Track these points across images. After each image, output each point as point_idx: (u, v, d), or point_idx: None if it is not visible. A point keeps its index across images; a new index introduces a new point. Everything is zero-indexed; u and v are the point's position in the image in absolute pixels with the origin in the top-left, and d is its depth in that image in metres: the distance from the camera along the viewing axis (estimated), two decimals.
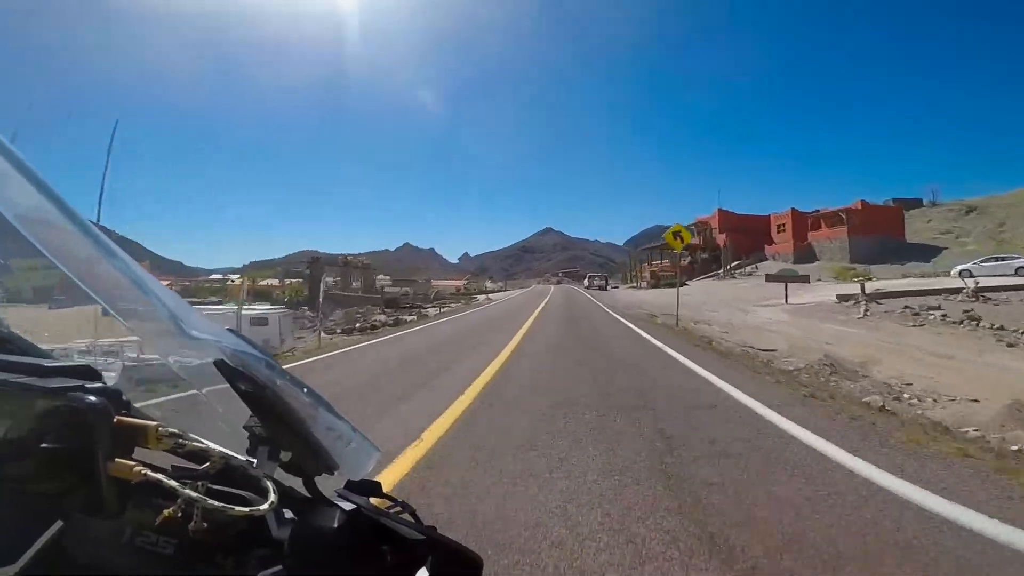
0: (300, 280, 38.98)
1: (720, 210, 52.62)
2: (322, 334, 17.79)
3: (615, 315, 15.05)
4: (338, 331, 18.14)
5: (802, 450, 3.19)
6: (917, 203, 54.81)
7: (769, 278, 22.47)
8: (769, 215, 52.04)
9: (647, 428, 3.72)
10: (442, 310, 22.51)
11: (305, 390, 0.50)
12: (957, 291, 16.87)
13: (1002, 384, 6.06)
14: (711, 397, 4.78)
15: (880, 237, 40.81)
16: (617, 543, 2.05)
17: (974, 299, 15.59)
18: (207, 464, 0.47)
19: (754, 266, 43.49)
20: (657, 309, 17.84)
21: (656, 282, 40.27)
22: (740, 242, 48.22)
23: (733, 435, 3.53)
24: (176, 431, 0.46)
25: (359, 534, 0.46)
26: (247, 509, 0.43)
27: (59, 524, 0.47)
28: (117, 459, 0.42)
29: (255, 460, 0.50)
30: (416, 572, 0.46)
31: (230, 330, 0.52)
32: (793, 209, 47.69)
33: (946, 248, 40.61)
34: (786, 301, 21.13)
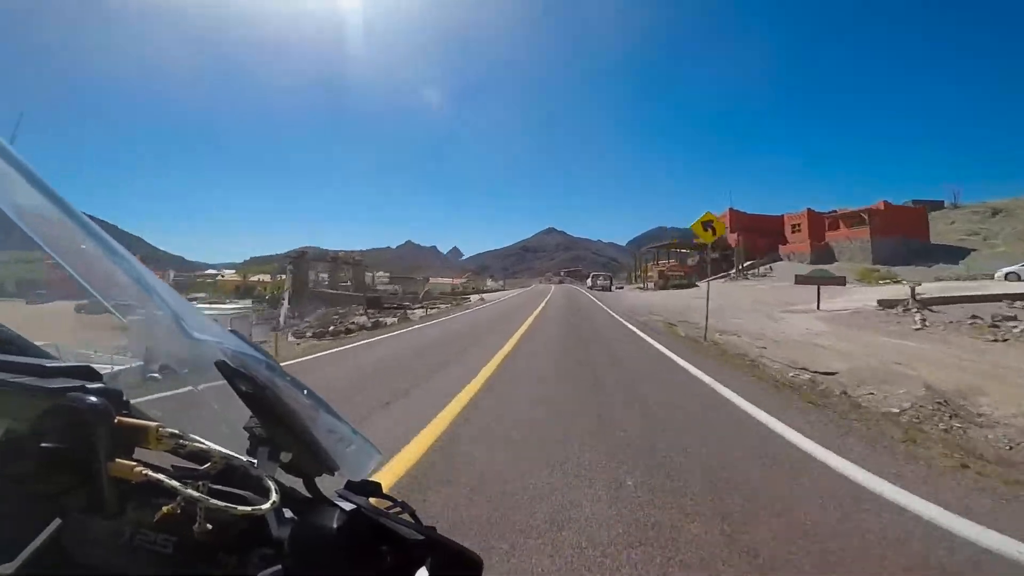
0: (282, 276, 36.98)
1: (732, 209, 50.12)
2: (290, 338, 15.51)
3: (627, 324, 12.70)
4: (308, 334, 15.87)
5: None
6: (938, 205, 52.34)
7: (799, 279, 20.04)
8: (782, 215, 49.58)
9: None
10: (428, 312, 20.21)
11: (305, 391, 0.50)
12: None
13: None
14: (830, 493, 2.52)
15: (903, 238, 38.34)
16: None
17: None
18: (208, 464, 0.47)
19: (768, 267, 41.05)
20: (673, 316, 15.49)
21: (665, 283, 37.85)
22: (752, 242, 45.82)
23: None
24: (176, 432, 0.46)
25: (359, 534, 0.46)
26: (248, 509, 0.43)
27: (57, 523, 0.47)
28: (118, 459, 0.43)
29: (256, 461, 0.50)
30: (415, 572, 0.46)
31: (232, 331, 0.51)
32: (809, 209, 45.26)
33: (974, 250, 38.22)
34: (818, 307, 18.77)
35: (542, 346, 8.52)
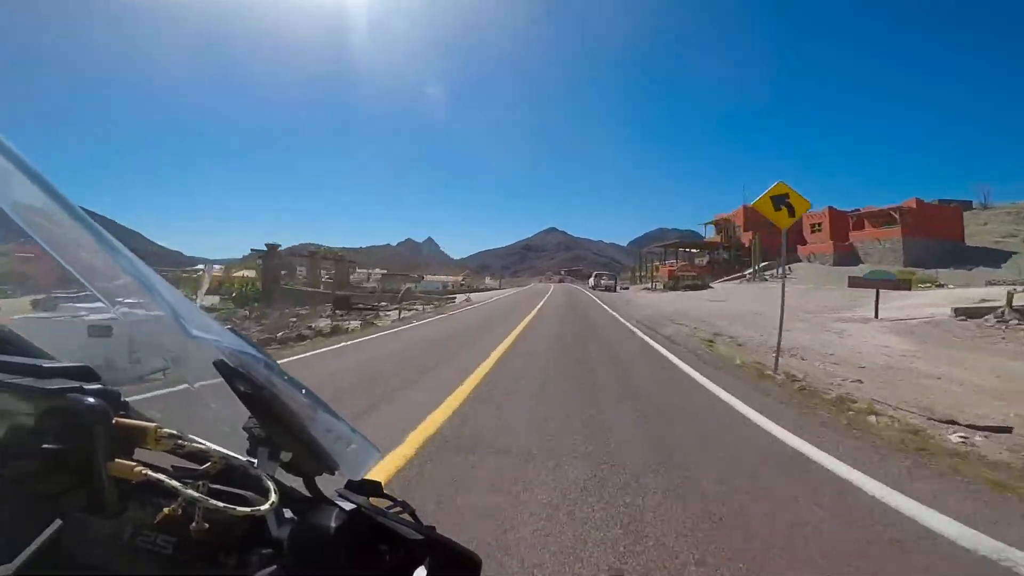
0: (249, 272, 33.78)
1: (746, 206, 46.55)
2: None
3: (651, 341, 9.23)
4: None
5: None
6: (966, 205, 48.95)
7: (853, 281, 16.61)
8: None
9: None
10: (403, 315, 16.84)
11: (304, 391, 0.50)
12: None
13: None
14: None
15: (937, 239, 34.95)
16: None
17: None
18: (207, 464, 0.47)
19: (787, 267, 37.61)
20: (702, 325, 12.13)
21: (675, 284, 34.41)
22: (766, 242, 42.40)
23: None
24: (175, 432, 0.46)
25: (359, 534, 0.46)
26: (248, 509, 0.43)
27: (58, 523, 0.48)
28: (117, 459, 0.43)
29: (255, 460, 0.50)
30: (415, 571, 0.46)
31: (231, 330, 0.51)
32: (831, 207, 41.86)
33: (1015, 252, 34.86)
34: (876, 315, 15.39)
35: (526, 380, 5.12)
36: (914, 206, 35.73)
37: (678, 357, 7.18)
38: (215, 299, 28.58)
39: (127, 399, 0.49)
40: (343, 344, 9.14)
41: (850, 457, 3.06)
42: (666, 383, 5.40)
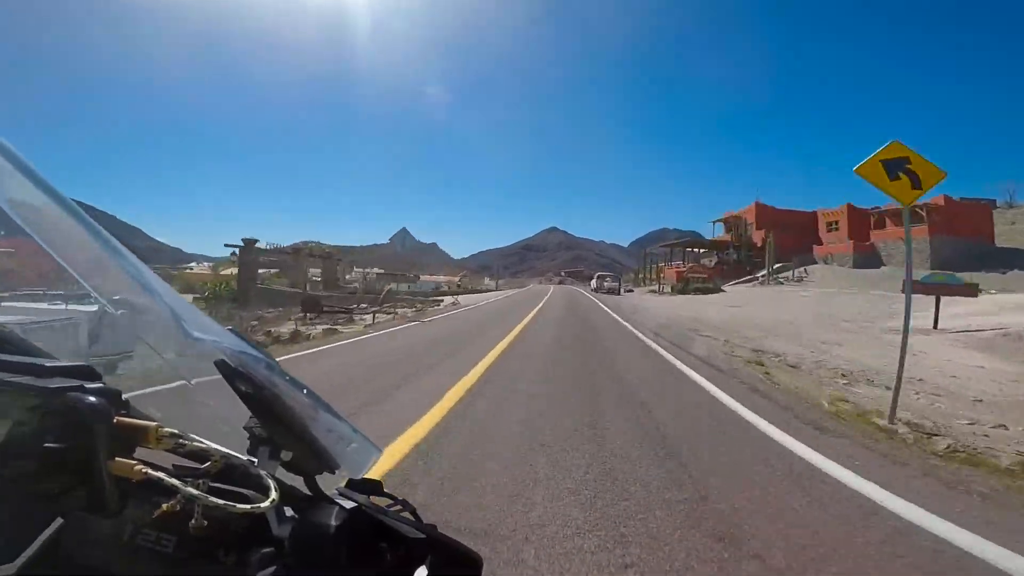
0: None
1: (758, 203, 44.19)
2: None
3: (683, 367, 6.63)
4: None
5: None
6: (990, 204, 46.43)
7: (915, 287, 13.76)
8: (815, 211, 43.72)
9: None
10: (377, 320, 14.53)
11: (305, 391, 0.50)
12: None
13: None
14: None
15: (966, 239, 32.47)
16: None
17: None
18: (208, 463, 0.47)
19: (803, 270, 35.19)
20: (737, 339, 9.66)
21: (684, 286, 31.93)
22: (779, 242, 40.03)
23: None
24: (176, 431, 0.46)
25: (359, 532, 0.46)
26: (248, 507, 0.43)
27: (59, 522, 0.48)
28: (118, 458, 0.43)
29: (256, 460, 0.50)
30: (416, 570, 0.46)
31: (231, 330, 0.51)
32: (850, 204, 39.39)
33: None
34: (935, 325, 12.97)
35: (495, 463, 2.54)
36: (942, 203, 33.22)
37: (737, 399, 4.70)
38: (188, 298, 26.48)
39: (127, 398, 0.49)
40: (291, 355, 6.90)
41: None
42: (750, 466, 2.87)
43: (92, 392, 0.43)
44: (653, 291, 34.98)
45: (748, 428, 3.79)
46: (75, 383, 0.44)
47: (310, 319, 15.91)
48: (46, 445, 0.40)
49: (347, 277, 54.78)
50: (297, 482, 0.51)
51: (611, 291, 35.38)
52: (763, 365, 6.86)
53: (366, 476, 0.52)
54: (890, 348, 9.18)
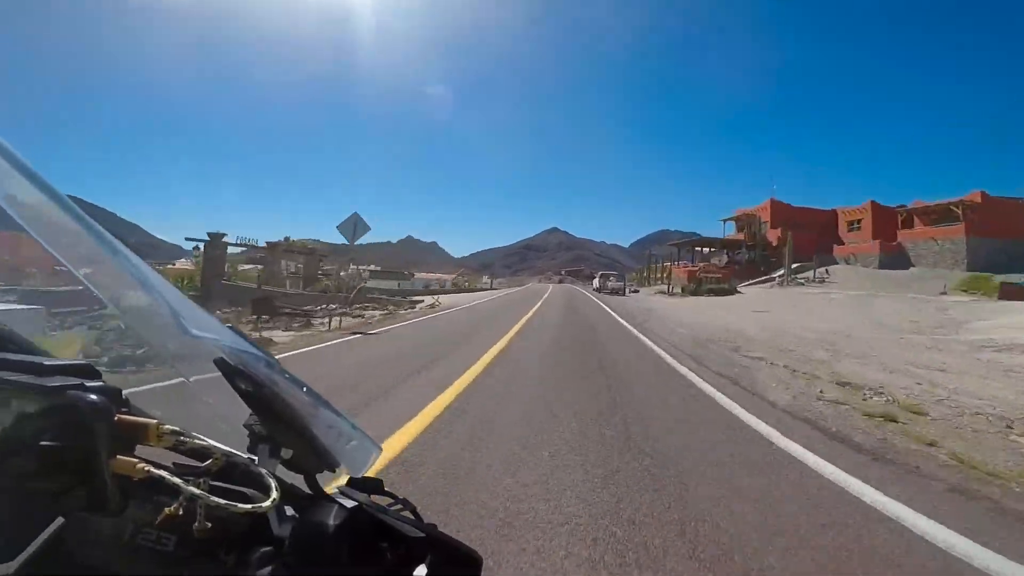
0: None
1: (774, 200, 41.35)
2: None
3: (759, 424, 3.90)
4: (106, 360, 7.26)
5: None
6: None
7: (1007, 291, 11.45)
8: (835, 209, 40.92)
9: None
10: (341, 324, 11.89)
11: (305, 389, 0.50)
12: None
13: None
14: None
15: (1006, 240, 29.67)
16: None
17: None
18: (209, 461, 0.47)
19: (824, 270, 32.39)
20: (797, 362, 6.84)
21: (696, 287, 29.12)
22: (797, 241, 37.30)
23: None
24: (177, 429, 0.46)
25: (359, 531, 0.47)
26: (249, 506, 0.43)
27: (60, 521, 0.48)
28: (119, 456, 0.43)
29: (256, 458, 0.50)
30: (415, 569, 0.46)
31: (230, 328, 0.51)
32: (873, 202, 36.61)
33: None
34: None
35: None
36: (979, 200, 30.44)
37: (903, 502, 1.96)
38: None
39: (127, 395, 0.48)
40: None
41: None
42: None
43: (92, 390, 0.43)
44: (661, 292, 32.15)
45: None
46: (75, 381, 0.44)
47: (264, 322, 13.21)
48: (46, 443, 0.40)
49: (342, 274, 53.22)
50: (297, 480, 0.51)
51: (615, 291, 32.57)
52: (896, 421, 4.10)
53: (366, 475, 0.52)
54: (1011, 376, 6.44)
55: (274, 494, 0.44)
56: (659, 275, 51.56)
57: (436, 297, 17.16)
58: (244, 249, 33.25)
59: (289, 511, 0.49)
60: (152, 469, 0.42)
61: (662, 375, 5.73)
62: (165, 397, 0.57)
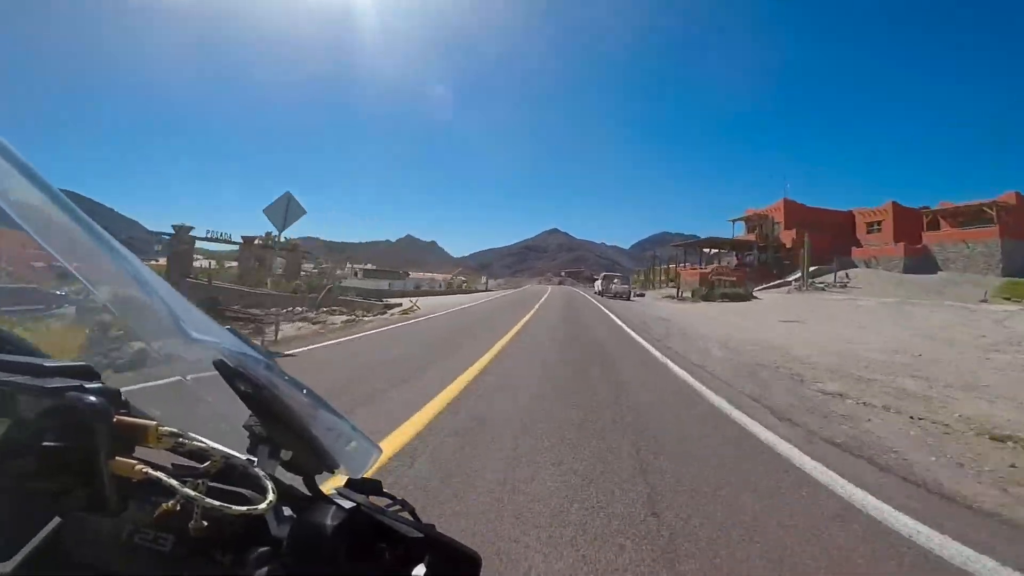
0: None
1: (787, 200, 39.03)
2: None
3: None
4: None
5: None
6: None
7: None
8: (851, 210, 38.64)
9: None
10: (299, 332, 9.65)
11: (304, 391, 0.50)
12: None
13: None
14: None
15: None
16: None
17: None
18: (207, 463, 0.47)
19: (844, 274, 30.11)
20: (893, 398, 4.46)
21: (708, 291, 26.77)
22: (813, 242, 35.04)
23: None
24: (176, 430, 0.46)
25: (358, 532, 0.46)
26: (246, 508, 0.43)
27: (57, 521, 0.48)
28: (118, 457, 0.43)
29: (255, 459, 0.50)
30: (414, 570, 0.46)
31: (230, 330, 0.52)
32: (895, 203, 34.33)
33: None
34: None
35: None
36: (1014, 201, 28.16)
37: None
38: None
39: (127, 397, 0.48)
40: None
41: None
42: None
43: (91, 391, 0.43)
44: (669, 296, 29.82)
45: None
46: (74, 382, 0.44)
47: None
48: (45, 444, 0.40)
49: (338, 273, 50.86)
50: (296, 481, 0.51)
51: (619, 295, 30.16)
52: None
53: (365, 476, 0.52)
54: None
55: (271, 495, 0.44)
56: (663, 277, 49.26)
57: (415, 301, 14.81)
58: (237, 247, 31.04)
59: (287, 512, 0.48)
60: (150, 470, 0.42)
61: (726, 440, 3.34)
62: (164, 398, 0.55)
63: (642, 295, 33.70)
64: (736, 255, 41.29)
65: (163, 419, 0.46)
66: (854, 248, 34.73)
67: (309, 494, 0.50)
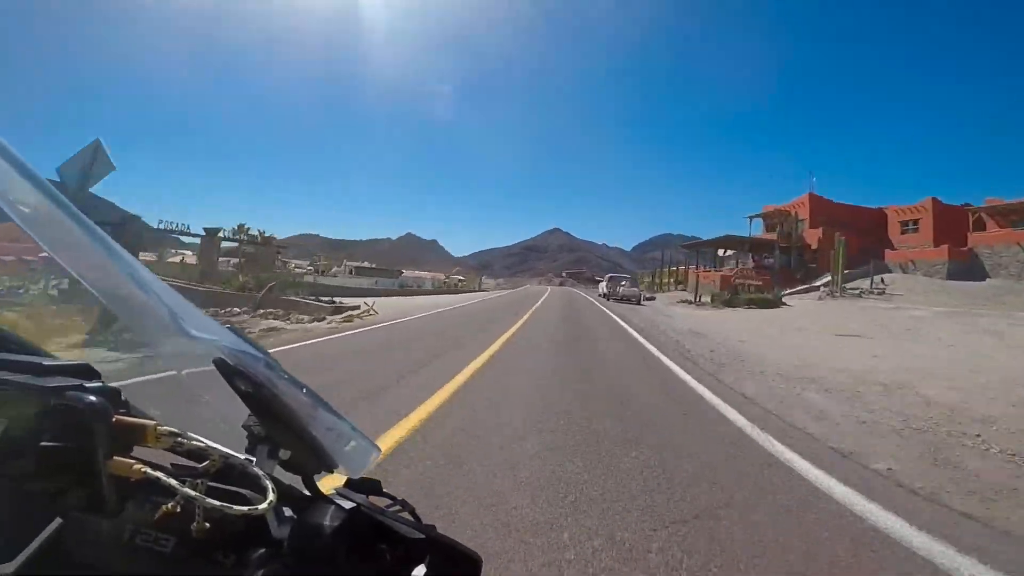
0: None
1: (813, 195, 35.56)
2: None
3: None
4: None
5: None
6: None
7: None
8: (883, 208, 35.21)
9: None
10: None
11: (304, 390, 0.50)
12: None
13: None
14: None
15: None
16: None
17: None
18: (206, 463, 0.47)
19: (880, 279, 26.71)
20: None
21: (731, 296, 23.34)
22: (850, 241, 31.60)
23: None
24: (175, 430, 0.46)
25: (358, 532, 0.46)
26: (246, 508, 0.43)
27: (58, 522, 0.48)
28: (116, 457, 0.43)
29: (254, 458, 0.50)
30: (414, 570, 0.46)
31: (230, 328, 0.51)
32: (935, 199, 30.89)
33: None
34: None
35: None
36: None
37: None
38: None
39: (127, 397, 0.48)
40: None
41: None
42: None
43: (91, 391, 0.43)
44: (685, 301, 26.41)
45: None
46: (74, 382, 0.44)
47: (99, 332, 7.72)
48: (44, 444, 0.40)
49: (333, 271, 48.61)
50: (296, 481, 0.50)
51: (628, 298, 26.77)
52: None
53: (365, 476, 0.52)
54: None
55: (271, 496, 0.44)
56: (669, 279, 45.90)
57: (371, 303, 11.50)
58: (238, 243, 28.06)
59: (287, 512, 0.48)
60: (149, 470, 0.42)
61: None
62: (164, 397, 0.55)
63: (652, 299, 30.24)
64: (753, 256, 37.86)
65: (162, 419, 0.46)
66: (887, 250, 31.31)
67: (308, 494, 0.50)
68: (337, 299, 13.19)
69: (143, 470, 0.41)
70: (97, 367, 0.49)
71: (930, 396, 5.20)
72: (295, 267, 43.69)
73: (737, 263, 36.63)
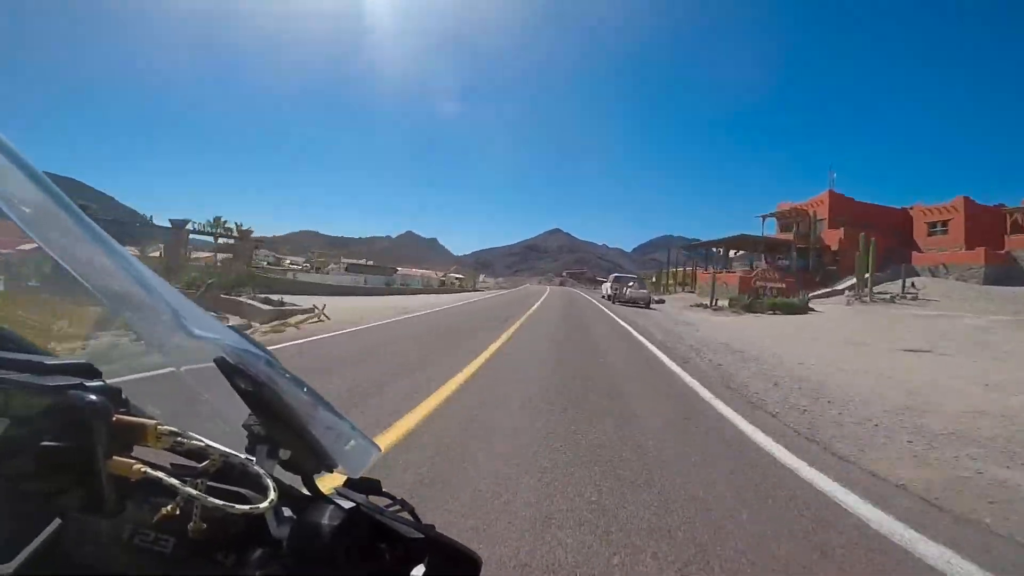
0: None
1: (833, 193, 33.26)
2: None
3: None
4: None
5: None
6: None
7: None
8: (908, 208, 32.92)
9: None
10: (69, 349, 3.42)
11: (305, 389, 0.49)
12: None
13: None
14: None
15: None
16: None
17: None
18: (206, 462, 0.46)
19: (911, 283, 24.47)
20: None
21: (751, 300, 21.06)
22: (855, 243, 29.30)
23: None
24: (175, 429, 0.46)
25: (357, 532, 0.46)
26: (246, 507, 0.42)
27: (57, 522, 0.48)
28: (116, 457, 0.42)
29: (254, 458, 0.49)
30: (413, 570, 0.46)
31: (231, 327, 0.51)
32: (967, 198, 28.61)
33: None
34: None
35: None
36: None
37: None
38: None
39: (127, 396, 0.48)
40: None
41: None
42: None
43: (92, 390, 0.43)
44: (699, 305, 24.14)
45: None
46: (75, 381, 0.44)
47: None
48: (44, 444, 0.39)
49: (329, 268, 46.73)
50: (295, 481, 0.50)
51: (636, 301, 24.49)
52: None
53: (364, 475, 0.52)
54: None
55: (271, 495, 0.43)
56: (673, 281, 43.60)
57: (321, 308, 9.25)
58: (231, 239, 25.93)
59: (287, 512, 0.48)
60: (149, 470, 0.41)
61: None
62: (164, 397, 0.54)
63: (662, 301, 27.97)
64: (765, 258, 35.55)
65: (162, 418, 0.45)
66: (915, 252, 29.04)
67: (308, 494, 0.49)
68: (293, 301, 10.90)
69: (143, 470, 0.41)
70: (98, 366, 0.48)
71: None
72: (290, 263, 41.84)
73: (752, 265, 34.31)
